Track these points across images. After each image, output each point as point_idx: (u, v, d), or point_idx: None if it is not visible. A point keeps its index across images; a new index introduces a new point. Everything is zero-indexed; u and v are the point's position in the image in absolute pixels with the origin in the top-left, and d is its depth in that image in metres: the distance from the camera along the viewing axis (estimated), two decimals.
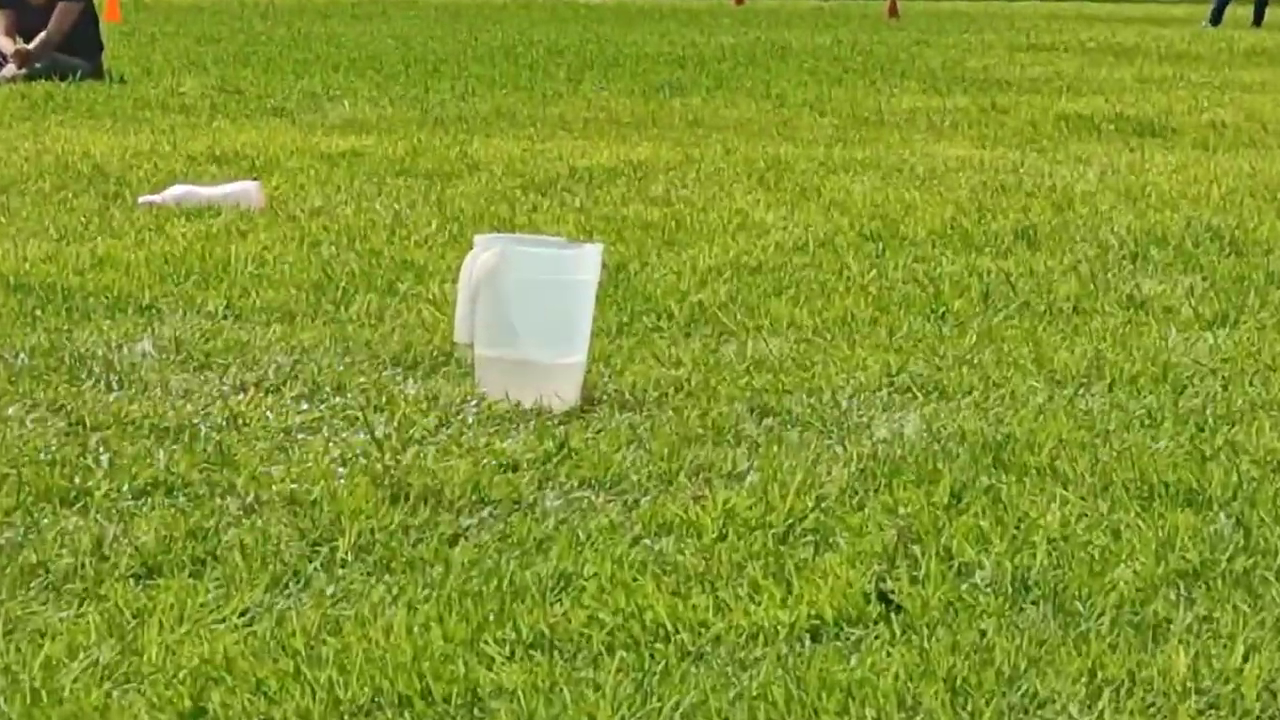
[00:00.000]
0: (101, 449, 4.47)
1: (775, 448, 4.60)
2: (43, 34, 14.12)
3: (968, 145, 11.06)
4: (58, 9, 14.27)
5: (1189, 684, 3.16)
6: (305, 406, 4.92)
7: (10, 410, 4.80)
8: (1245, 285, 6.65)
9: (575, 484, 4.30)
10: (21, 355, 5.37)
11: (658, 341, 5.66)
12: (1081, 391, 5.18)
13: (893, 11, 28.20)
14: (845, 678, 3.18)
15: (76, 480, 4.22)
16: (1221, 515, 4.09)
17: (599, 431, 4.71)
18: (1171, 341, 5.77)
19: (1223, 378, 5.33)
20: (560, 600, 3.54)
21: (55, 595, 3.56)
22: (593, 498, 4.21)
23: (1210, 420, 4.87)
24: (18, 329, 5.67)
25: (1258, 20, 26.51)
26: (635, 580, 3.64)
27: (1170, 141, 11.45)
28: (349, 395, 5.03)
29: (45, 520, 3.97)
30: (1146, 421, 4.87)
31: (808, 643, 3.36)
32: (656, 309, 6.05)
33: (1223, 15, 26.76)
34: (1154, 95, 14.76)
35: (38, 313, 5.91)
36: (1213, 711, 3.08)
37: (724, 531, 3.95)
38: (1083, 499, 4.20)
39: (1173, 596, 3.59)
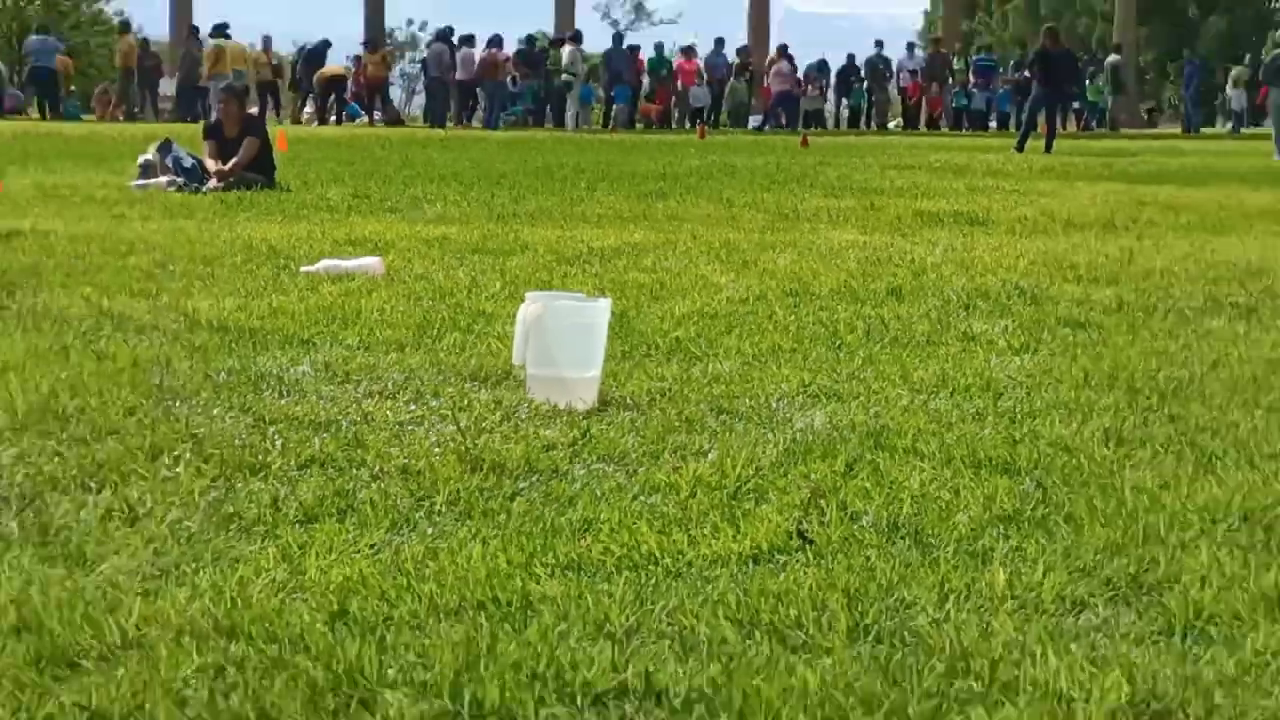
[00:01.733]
0: (276, 436, 4.48)
1: (728, 435, 4.61)
2: (235, 158, 14.13)
3: (855, 232, 11.06)
4: (245, 141, 14.26)
5: (1006, 593, 3.17)
6: (413, 408, 4.92)
7: (215, 411, 4.80)
8: (1040, 325, 6.66)
9: (594, 459, 4.31)
10: (222, 373, 5.38)
11: (648, 364, 5.66)
12: (932, 397, 5.19)
13: (804, 143, 28.02)
14: (775, 589, 3.20)
15: (259, 458, 4.24)
16: (1027, 480, 4.10)
17: (609, 424, 4.71)
18: (993, 363, 5.78)
19: (1026, 388, 5.34)
20: (584, 537, 3.55)
21: (245, 535, 3.57)
22: (606, 468, 4.21)
23: (1018, 416, 4.88)
24: (220, 356, 5.69)
25: (1048, 148, 26.40)
26: (635, 524, 3.65)
27: (990, 230, 11.46)
28: (442, 400, 5.04)
29: (239, 484, 3.99)
30: (976, 417, 4.88)
31: (750, 566, 3.38)
32: (647, 342, 6.05)
33: (1024, 146, 26.54)
34: (979, 199, 14.76)
35: (233, 345, 5.93)
36: (1022, 611, 3.09)
37: (694, 490, 3.96)
38: (934, 469, 4.21)
39: (994, 534, 3.61)
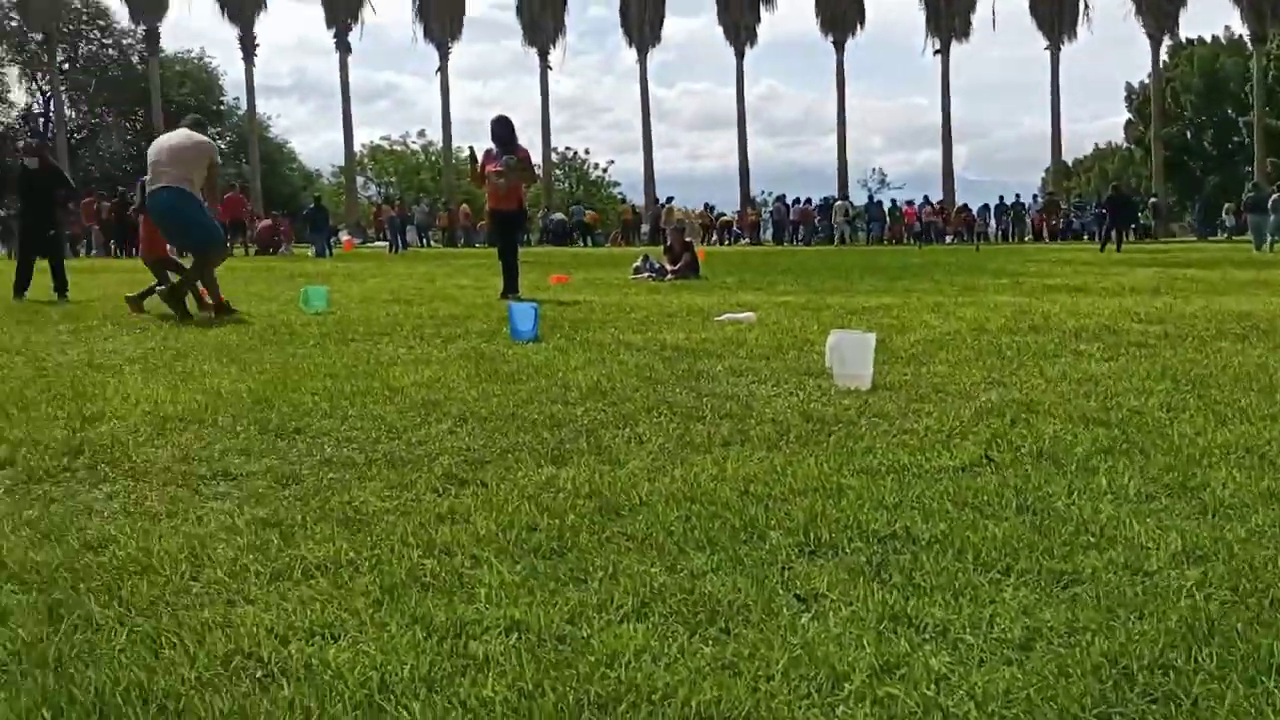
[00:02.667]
0: (707, 402, 4.46)
1: (944, 403, 4.42)
2: (680, 263, 14.32)
3: (1009, 295, 10.46)
4: (684, 255, 14.43)
5: (1106, 490, 2.95)
6: (775, 388, 4.89)
7: (676, 389, 4.83)
8: (1119, 345, 6.19)
9: (871, 415, 4.18)
10: (679, 371, 5.42)
11: (897, 366, 5.48)
12: (1058, 384, 4.87)
13: (978, 249, 26.54)
14: (973, 485, 3.07)
15: (699, 413, 4.22)
16: (1115, 429, 3.80)
17: (878, 398, 4.57)
18: (1092, 367, 5.39)
19: (1112, 379, 4.95)
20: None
21: (695, 451, 3.58)
22: (878, 421, 4.07)
23: (1109, 394, 4.54)
24: (676, 363, 5.73)
25: (1118, 249, 24.45)
26: (896, 450, 3.53)
27: (1087, 294, 10.71)
28: (790, 384, 4.98)
29: (691, 426, 3.98)
30: (1084, 395, 4.54)
31: (959, 473, 3.25)
32: (899, 355, 5.87)
33: (1104, 248, 24.59)
34: (1080, 276, 13.80)
35: (683, 357, 5.96)
36: (1115, 500, 2.87)
37: (925, 433, 3.80)
38: (1061, 423, 3.95)
39: (1099, 458, 3.37)
